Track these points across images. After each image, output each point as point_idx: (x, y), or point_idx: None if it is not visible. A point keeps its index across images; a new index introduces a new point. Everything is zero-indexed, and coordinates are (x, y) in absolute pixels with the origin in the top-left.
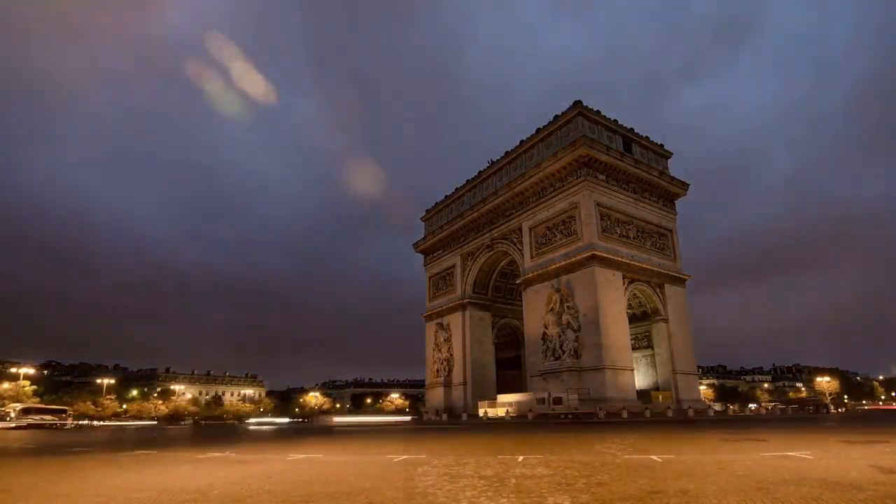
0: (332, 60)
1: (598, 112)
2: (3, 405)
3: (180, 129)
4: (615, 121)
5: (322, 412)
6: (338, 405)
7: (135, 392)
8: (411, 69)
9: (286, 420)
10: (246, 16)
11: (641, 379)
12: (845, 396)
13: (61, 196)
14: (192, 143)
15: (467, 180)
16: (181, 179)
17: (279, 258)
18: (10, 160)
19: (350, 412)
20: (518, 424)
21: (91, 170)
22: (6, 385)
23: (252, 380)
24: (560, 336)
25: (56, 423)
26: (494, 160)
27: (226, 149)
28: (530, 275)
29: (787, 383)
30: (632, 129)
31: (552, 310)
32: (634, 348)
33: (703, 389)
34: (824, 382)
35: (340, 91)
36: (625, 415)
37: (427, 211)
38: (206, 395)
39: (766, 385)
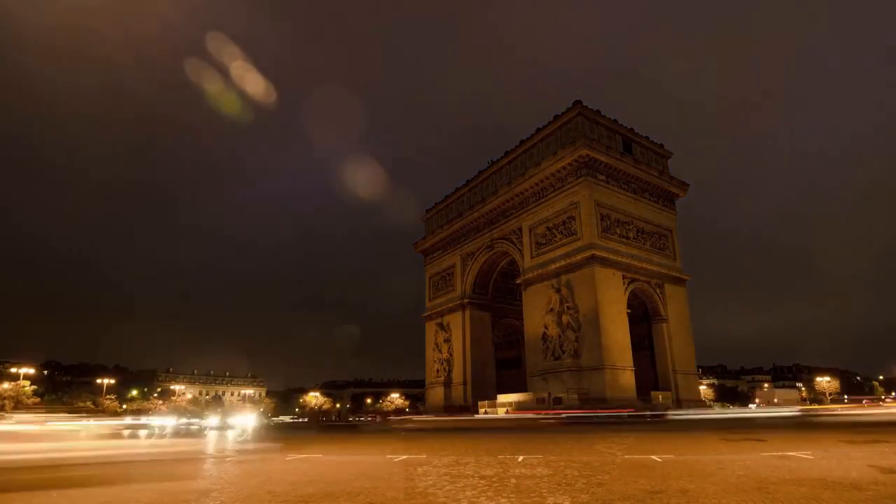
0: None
1: (598, 112)
2: (3, 405)
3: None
4: (615, 121)
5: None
6: (338, 405)
7: (135, 392)
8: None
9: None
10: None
11: (641, 379)
12: (845, 396)
13: (64, 196)
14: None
15: (467, 180)
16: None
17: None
18: (13, 161)
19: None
20: (518, 424)
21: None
22: (6, 385)
23: (253, 380)
24: (560, 336)
25: None
26: (494, 160)
27: (231, 146)
28: (530, 275)
29: (787, 383)
30: (632, 129)
31: (552, 310)
32: (634, 348)
33: (703, 389)
34: (824, 382)
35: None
36: (624, 414)
37: (427, 211)
38: (207, 395)
39: (765, 385)
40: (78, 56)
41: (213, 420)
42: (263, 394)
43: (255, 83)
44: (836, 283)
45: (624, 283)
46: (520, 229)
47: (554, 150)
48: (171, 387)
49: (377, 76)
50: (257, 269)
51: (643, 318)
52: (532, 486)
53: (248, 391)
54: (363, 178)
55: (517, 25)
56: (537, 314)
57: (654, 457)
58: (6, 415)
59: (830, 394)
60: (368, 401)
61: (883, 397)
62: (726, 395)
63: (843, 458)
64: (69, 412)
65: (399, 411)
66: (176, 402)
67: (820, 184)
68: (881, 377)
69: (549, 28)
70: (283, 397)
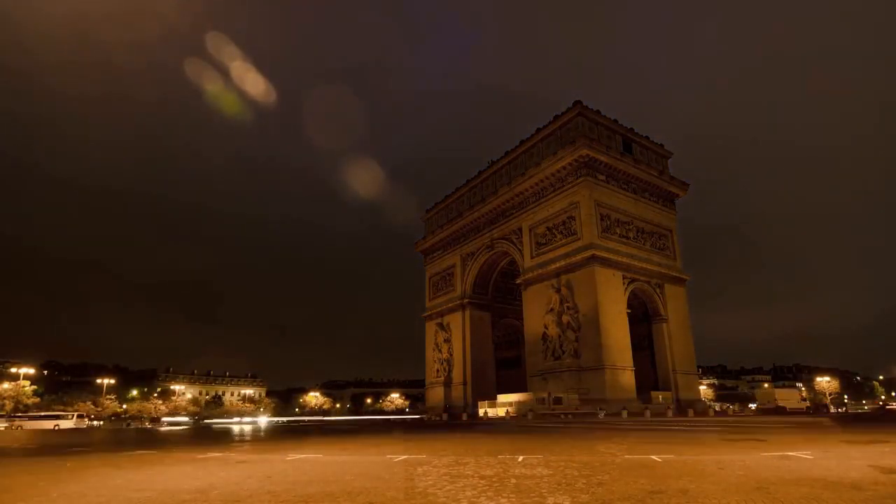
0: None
1: (598, 112)
2: (3, 405)
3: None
4: (615, 121)
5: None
6: (338, 405)
7: (135, 392)
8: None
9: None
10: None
11: (641, 379)
12: (845, 396)
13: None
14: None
15: (467, 180)
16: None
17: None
18: (14, 162)
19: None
20: (518, 424)
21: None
22: (6, 385)
23: (253, 380)
24: (560, 336)
25: None
26: (494, 160)
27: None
28: (530, 275)
29: (787, 383)
30: (632, 129)
31: (552, 310)
32: (634, 348)
33: (703, 389)
34: (824, 382)
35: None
36: (625, 415)
37: (427, 210)
38: (207, 395)
39: (766, 385)
40: (80, 61)
41: None
42: (263, 394)
43: (255, 83)
44: (836, 283)
45: (624, 283)
46: (520, 229)
47: (554, 150)
48: (171, 387)
49: (377, 75)
50: (257, 269)
51: (643, 318)
52: (532, 486)
53: (248, 391)
54: (363, 177)
55: (517, 25)
56: (537, 314)
57: (654, 457)
58: None
59: (830, 394)
60: (368, 401)
61: (883, 398)
62: (726, 396)
63: (843, 458)
64: None
65: (399, 411)
66: (176, 402)
67: (820, 183)
68: (881, 377)
69: (551, 27)
70: (283, 397)
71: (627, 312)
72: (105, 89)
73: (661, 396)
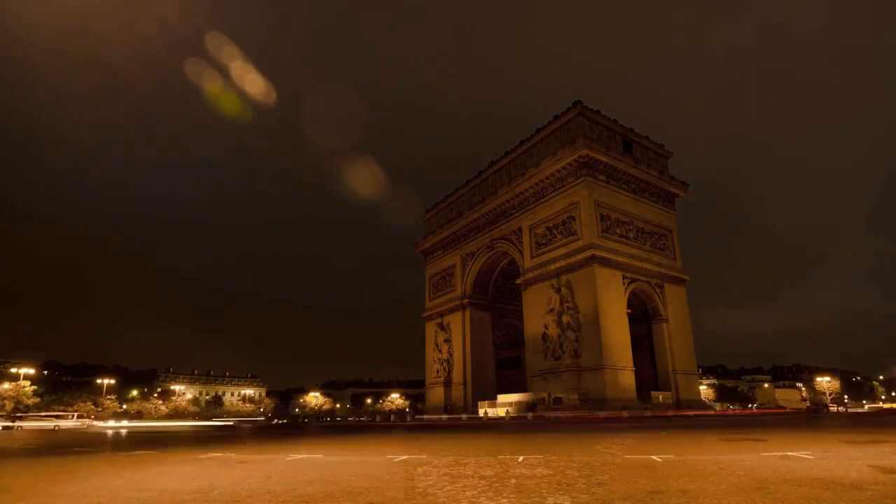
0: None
1: (598, 112)
2: (3, 405)
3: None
4: (615, 121)
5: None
6: (338, 405)
7: (135, 392)
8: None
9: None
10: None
11: (641, 379)
12: (845, 396)
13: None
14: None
15: (467, 180)
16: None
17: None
18: (12, 161)
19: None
20: (518, 424)
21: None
22: (6, 385)
23: (252, 380)
24: (560, 336)
25: None
26: (494, 160)
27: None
28: (530, 275)
29: (787, 383)
30: (632, 129)
31: (552, 310)
32: (634, 348)
33: (703, 389)
34: (824, 382)
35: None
36: (625, 415)
37: (427, 211)
38: (207, 395)
39: (766, 385)
40: (78, 56)
41: None
42: (263, 394)
43: (254, 83)
44: (835, 283)
45: (624, 283)
46: (520, 229)
47: (554, 150)
48: (171, 387)
49: (377, 76)
50: (260, 271)
51: (643, 318)
52: (532, 486)
53: (248, 391)
54: (363, 178)
55: (517, 26)
56: (537, 314)
57: (654, 457)
58: None
59: (830, 393)
60: (368, 401)
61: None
62: (726, 395)
63: (843, 458)
64: None
65: (400, 412)
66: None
67: (821, 185)
68: (881, 377)
69: (549, 29)
70: (283, 397)
71: (627, 312)
72: (103, 84)
73: (661, 396)
